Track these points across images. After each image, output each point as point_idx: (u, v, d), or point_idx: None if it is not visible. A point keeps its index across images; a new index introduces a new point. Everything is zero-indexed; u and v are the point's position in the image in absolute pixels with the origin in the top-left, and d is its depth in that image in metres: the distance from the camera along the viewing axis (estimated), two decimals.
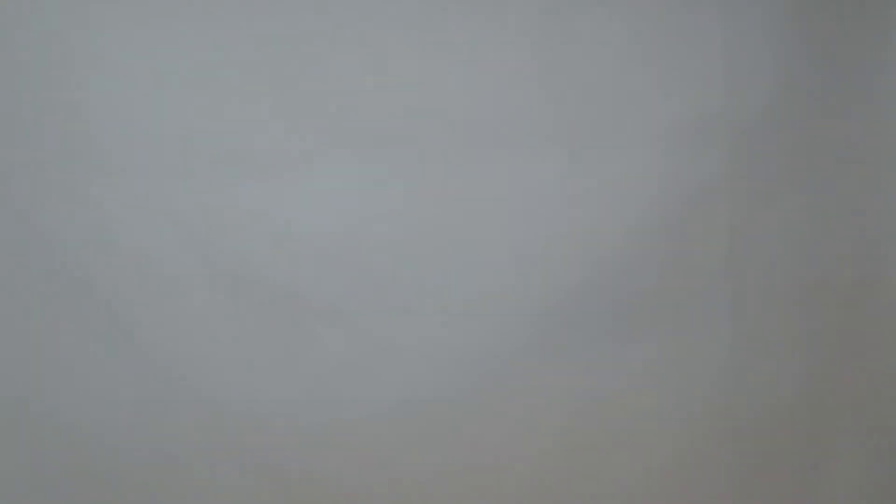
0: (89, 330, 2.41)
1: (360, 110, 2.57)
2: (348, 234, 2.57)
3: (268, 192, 2.52)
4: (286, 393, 2.53)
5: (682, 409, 2.80)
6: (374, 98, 2.58)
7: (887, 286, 2.95)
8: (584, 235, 2.71)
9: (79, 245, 2.40)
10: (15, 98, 2.36)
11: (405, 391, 2.59)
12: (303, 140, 2.54)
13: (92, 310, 2.41)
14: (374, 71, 2.58)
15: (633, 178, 2.74)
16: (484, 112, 2.65)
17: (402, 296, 2.61)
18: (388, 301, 2.60)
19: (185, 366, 2.46)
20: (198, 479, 2.48)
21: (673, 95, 2.77)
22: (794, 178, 2.87)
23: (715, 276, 2.82)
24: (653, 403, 2.78)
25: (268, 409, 2.51)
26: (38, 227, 2.37)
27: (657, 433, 2.77)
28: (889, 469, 2.97)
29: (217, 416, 2.48)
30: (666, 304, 2.78)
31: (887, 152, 2.94)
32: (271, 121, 2.52)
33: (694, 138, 2.78)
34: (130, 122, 2.43)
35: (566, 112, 2.69)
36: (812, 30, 2.87)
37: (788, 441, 2.87)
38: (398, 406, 2.59)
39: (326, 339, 2.56)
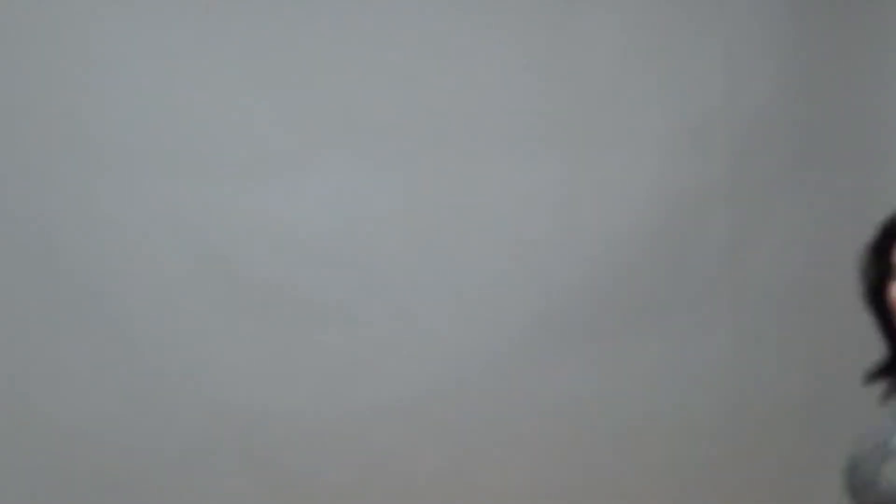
0: (89, 329, 2.41)
1: (360, 111, 2.58)
2: (348, 234, 2.57)
3: (268, 192, 2.52)
4: (286, 392, 2.53)
5: (683, 409, 2.80)
6: (374, 99, 2.58)
7: None
8: (584, 236, 2.71)
9: (79, 245, 2.40)
10: (15, 97, 2.37)
11: (405, 390, 2.60)
12: (303, 140, 2.55)
13: (91, 309, 2.42)
14: (374, 72, 2.58)
15: (632, 178, 2.74)
16: (484, 113, 2.66)
17: (402, 296, 2.61)
18: (388, 301, 2.60)
19: (184, 365, 2.47)
20: (198, 479, 2.48)
21: (673, 96, 2.77)
22: (794, 178, 2.87)
23: (715, 277, 2.82)
24: (653, 403, 2.78)
25: (268, 408, 2.51)
26: (38, 226, 2.38)
27: (657, 433, 2.78)
28: None
29: (217, 416, 2.49)
30: (666, 304, 2.79)
31: (887, 152, 2.94)
32: (271, 121, 2.53)
33: (694, 139, 2.79)
34: (130, 122, 2.44)
35: (565, 112, 2.70)
36: (812, 30, 2.87)
37: (788, 441, 2.87)
38: (398, 405, 2.59)
39: (327, 338, 2.56)
